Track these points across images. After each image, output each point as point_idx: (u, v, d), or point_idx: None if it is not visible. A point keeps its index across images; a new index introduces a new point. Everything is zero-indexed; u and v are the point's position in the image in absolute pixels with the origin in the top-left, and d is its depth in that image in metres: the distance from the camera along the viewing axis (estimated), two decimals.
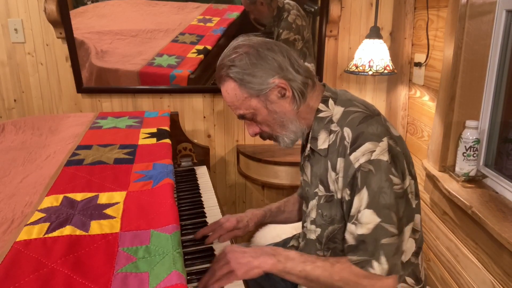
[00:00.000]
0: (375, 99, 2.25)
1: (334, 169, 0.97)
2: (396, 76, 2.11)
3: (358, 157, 0.90)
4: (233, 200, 2.38)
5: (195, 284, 0.98)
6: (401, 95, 2.13)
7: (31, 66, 2.08)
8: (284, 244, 1.32)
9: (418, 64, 1.95)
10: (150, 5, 2.03)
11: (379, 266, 0.89)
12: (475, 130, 1.54)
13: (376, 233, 0.89)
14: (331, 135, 0.99)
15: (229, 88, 0.99)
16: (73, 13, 1.96)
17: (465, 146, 1.54)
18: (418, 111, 2.01)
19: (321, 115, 1.01)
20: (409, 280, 1.02)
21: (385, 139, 0.91)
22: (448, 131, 1.65)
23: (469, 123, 1.55)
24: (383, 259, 0.89)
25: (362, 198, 0.90)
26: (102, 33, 2.02)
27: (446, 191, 1.57)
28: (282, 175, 2.05)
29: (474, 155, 1.54)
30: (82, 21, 1.99)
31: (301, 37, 2.07)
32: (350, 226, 0.92)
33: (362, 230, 0.90)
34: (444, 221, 1.71)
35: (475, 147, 1.53)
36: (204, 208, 1.37)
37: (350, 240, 0.93)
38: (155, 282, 0.77)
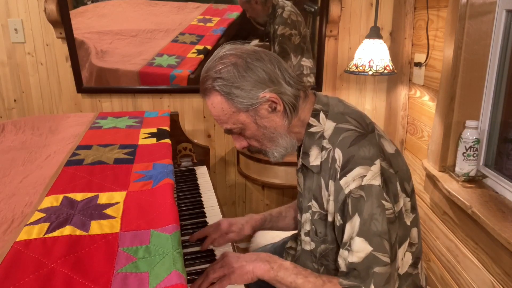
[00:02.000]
0: (375, 99, 2.25)
1: (327, 188, 0.93)
2: (396, 76, 2.11)
3: (349, 183, 0.86)
4: (233, 200, 2.38)
5: None
6: (401, 95, 2.13)
7: (31, 66, 2.08)
8: (283, 244, 1.31)
9: (418, 64, 1.95)
10: (150, 5, 2.03)
11: None
12: (475, 130, 1.54)
13: (368, 261, 0.86)
14: (323, 152, 0.94)
15: (215, 102, 0.92)
16: (73, 13, 1.96)
17: (465, 146, 1.54)
18: (418, 111, 2.01)
19: (312, 129, 0.96)
20: None
21: (377, 162, 0.87)
22: (448, 131, 1.65)
23: (469, 123, 1.54)
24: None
25: (354, 225, 0.86)
26: (102, 33, 2.02)
27: (446, 191, 1.57)
28: (282, 175, 2.05)
29: (474, 155, 1.54)
30: (82, 21, 1.99)
31: (298, 32, 2.07)
32: (343, 252, 0.89)
33: (353, 259, 0.87)
34: (444, 221, 1.71)
35: (475, 147, 1.53)
36: (204, 208, 1.37)
37: (342, 266, 0.90)
38: (155, 282, 0.77)
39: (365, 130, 0.92)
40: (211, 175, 1.70)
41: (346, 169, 0.87)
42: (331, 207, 0.92)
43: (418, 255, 1.00)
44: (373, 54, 1.75)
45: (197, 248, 1.14)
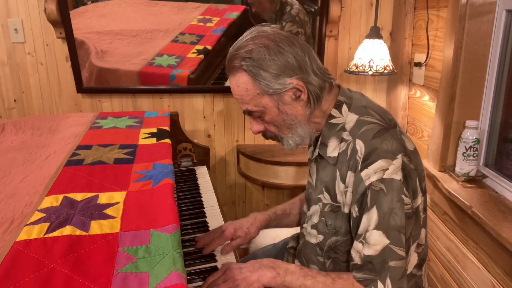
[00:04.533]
0: (375, 99, 2.25)
1: (343, 180, 0.92)
2: (396, 76, 2.11)
3: (370, 175, 0.86)
4: (233, 200, 2.38)
5: (195, 284, 0.98)
6: (401, 95, 2.13)
7: (31, 66, 2.08)
8: (284, 244, 1.31)
9: (418, 64, 1.95)
10: (150, 5, 2.03)
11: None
12: (475, 130, 1.54)
13: (384, 255, 0.85)
14: (342, 144, 0.93)
15: (240, 81, 0.91)
16: (73, 13, 1.96)
17: (465, 146, 1.54)
18: (418, 111, 2.01)
19: (333, 121, 0.95)
20: None
21: (399, 157, 0.86)
22: (448, 131, 1.65)
23: (469, 123, 1.54)
24: (388, 282, 0.85)
25: (371, 217, 0.86)
26: (102, 33, 2.02)
27: (446, 191, 1.57)
28: (282, 175, 2.05)
29: (474, 155, 1.54)
30: (82, 21, 1.99)
31: (304, 31, 2.06)
32: (357, 245, 0.89)
33: (369, 251, 0.86)
34: (444, 221, 1.71)
35: (475, 147, 1.53)
36: (204, 208, 1.37)
37: (356, 259, 0.89)
38: (155, 282, 0.77)
39: (387, 124, 0.92)
40: (211, 175, 1.70)
41: (368, 161, 0.87)
42: (348, 198, 0.91)
43: (423, 257, 0.99)
44: (373, 54, 1.75)
45: (197, 248, 1.14)
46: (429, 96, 1.89)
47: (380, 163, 0.86)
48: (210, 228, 1.24)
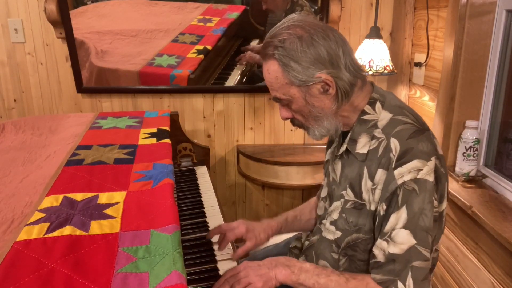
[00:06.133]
0: None
1: (371, 178, 0.91)
2: (396, 76, 2.11)
3: (403, 174, 0.85)
4: (233, 200, 2.38)
5: (195, 284, 0.98)
6: (401, 95, 2.13)
7: (31, 66, 2.08)
8: (285, 244, 1.31)
9: (418, 64, 1.95)
10: (150, 5, 2.03)
11: None
12: (475, 130, 1.54)
13: (409, 254, 0.85)
14: (373, 141, 0.92)
15: (271, 69, 0.92)
16: (73, 13, 1.96)
17: (465, 146, 1.54)
18: (418, 111, 2.00)
19: (365, 117, 0.95)
20: None
21: (433, 159, 0.86)
22: (448, 131, 1.65)
23: (469, 123, 1.54)
24: (409, 281, 0.85)
25: (400, 216, 0.85)
26: (102, 33, 2.02)
27: None
28: (282, 175, 2.05)
29: (474, 155, 1.54)
30: (82, 21, 1.99)
31: None
32: (382, 243, 0.88)
33: (395, 250, 0.86)
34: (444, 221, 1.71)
35: (475, 147, 1.53)
36: (204, 208, 1.37)
37: (379, 256, 0.89)
38: (155, 282, 0.77)
39: (422, 126, 0.92)
40: (211, 175, 1.70)
41: (402, 160, 0.86)
42: (376, 196, 0.90)
43: (434, 262, 0.99)
44: (373, 54, 1.75)
45: (197, 248, 1.14)
46: (429, 96, 1.89)
47: (415, 163, 0.86)
48: (210, 228, 1.24)
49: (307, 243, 1.14)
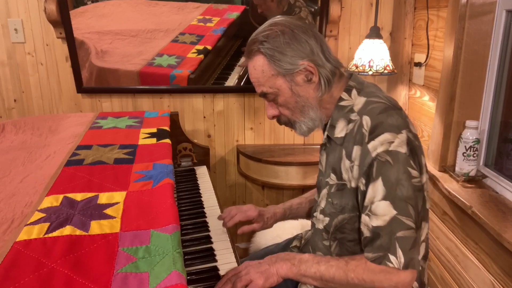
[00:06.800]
0: None
1: (349, 157, 0.95)
2: (396, 76, 2.11)
3: (376, 146, 0.88)
4: (233, 200, 2.38)
5: (195, 284, 0.98)
6: (401, 95, 2.13)
7: (31, 66, 2.08)
8: (286, 244, 1.31)
9: (418, 64, 1.95)
10: (150, 5, 2.03)
11: (396, 260, 0.87)
12: (475, 130, 1.54)
13: (392, 225, 0.87)
14: (350, 124, 0.97)
15: (257, 64, 0.97)
16: (73, 13, 1.96)
17: (465, 146, 1.54)
18: (418, 111, 2.01)
19: (342, 103, 1.00)
20: (414, 284, 1.01)
21: (404, 132, 0.89)
22: (448, 131, 1.65)
23: (469, 123, 1.54)
24: (399, 252, 0.87)
25: (376, 189, 0.88)
26: (102, 33, 2.02)
27: (446, 191, 1.57)
28: (282, 175, 2.05)
29: (474, 155, 1.54)
30: (82, 21, 1.99)
31: None
32: (365, 218, 0.91)
33: (377, 222, 0.88)
34: (444, 221, 1.71)
35: (475, 147, 1.53)
36: (204, 208, 1.37)
37: (365, 232, 0.91)
38: (155, 282, 0.77)
39: (393, 105, 0.96)
40: (211, 175, 1.70)
41: (374, 133, 0.90)
42: (355, 172, 0.93)
43: (427, 249, 1.01)
44: (373, 54, 1.75)
45: (197, 248, 1.14)
46: (429, 96, 1.89)
47: (385, 136, 0.89)
48: (210, 228, 1.24)
49: (310, 233, 1.16)
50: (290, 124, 1.05)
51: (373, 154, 0.88)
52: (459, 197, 1.47)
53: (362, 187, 0.92)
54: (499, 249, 1.32)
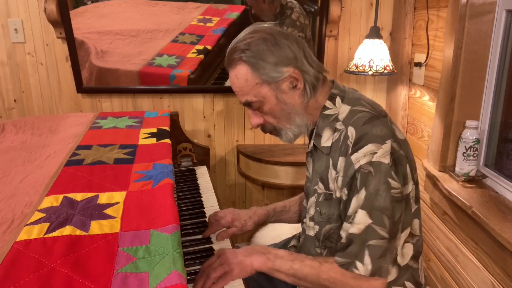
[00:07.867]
0: (375, 99, 2.25)
1: (335, 167, 0.96)
2: (396, 76, 2.11)
3: (359, 158, 0.89)
4: (233, 200, 2.38)
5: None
6: (401, 95, 2.13)
7: (31, 66, 2.08)
8: (285, 244, 1.32)
9: (418, 64, 1.95)
10: (150, 5, 2.03)
11: (362, 267, 0.89)
12: (475, 130, 1.54)
13: (366, 234, 0.89)
14: (335, 133, 0.97)
15: (239, 73, 0.95)
16: (73, 13, 1.96)
17: (465, 146, 1.54)
18: (418, 111, 2.01)
19: (327, 112, 0.99)
20: (408, 284, 1.01)
21: (388, 142, 0.90)
22: (448, 131, 1.65)
23: (469, 123, 1.54)
24: (367, 260, 0.89)
25: (360, 199, 0.89)
26: (102, 33, 2.02)
27: (446, 191, 1.57)
28: (282, 175, 2.05)
29: (474, 155, 1.54)
30: (82, 21, 1.99)
31: (304, 35, 2.07)
32: (346, 225, 0.92)
33: (353, 230, 0.90)
34: (444, 221, 1.71)
35: (475, 147, 1.53)
36: (204, 208, 1.38)
37: (343, 237, 0.93)
38: (155, 282, 0.77)
39: (378, 113, 0.96)
40: (211, 175, 1.70)
41: (358, 145, 0.90)
42: (339, 183, 0.94)
43: (418, 249, 1.01)
44: (373, 54, 1.75)
45: (197, 248, 1.14)
46: (429, 96, 1.89)
47: (369, 147, 0.89)
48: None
49: (302, 239, 1.16)
50: (276, 131, 1.04)
51: (356, 166, 0.89)
52: (459, 197, 1.47)
53: (344, 197, 0.93)
54: (499, 249, 1.32)
